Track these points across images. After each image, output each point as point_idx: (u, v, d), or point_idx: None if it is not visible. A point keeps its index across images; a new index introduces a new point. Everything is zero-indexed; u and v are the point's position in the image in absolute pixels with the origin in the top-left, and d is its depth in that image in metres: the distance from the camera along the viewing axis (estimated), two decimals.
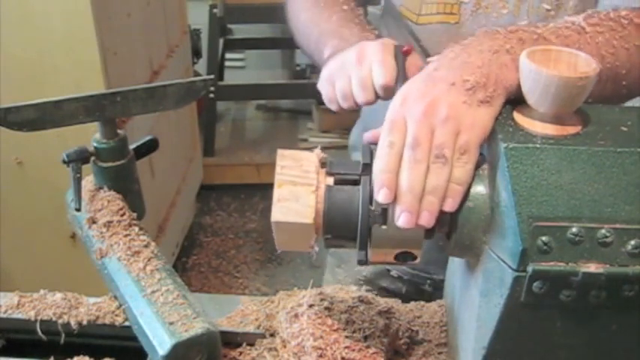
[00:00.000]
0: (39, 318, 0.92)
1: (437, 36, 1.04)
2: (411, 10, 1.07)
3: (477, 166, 0.71)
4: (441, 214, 0.68)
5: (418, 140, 0.67)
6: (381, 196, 0.66)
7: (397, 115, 0.69)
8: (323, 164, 0.74)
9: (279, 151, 0.74)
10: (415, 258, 0.71)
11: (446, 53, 0.75)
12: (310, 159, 0.73)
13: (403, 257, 0.71)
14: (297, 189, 0.70)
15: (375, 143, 0.70)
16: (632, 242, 0.62)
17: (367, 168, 0.70)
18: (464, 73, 0.70)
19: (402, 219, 0.66)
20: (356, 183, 0.71)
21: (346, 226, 0.71)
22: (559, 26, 0.82)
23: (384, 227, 0.68)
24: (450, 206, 0.67)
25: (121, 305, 0.90)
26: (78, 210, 0.94)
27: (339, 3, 1.08)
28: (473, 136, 0.68)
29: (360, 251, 0.71)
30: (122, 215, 0.94)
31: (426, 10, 1.05)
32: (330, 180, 0.72)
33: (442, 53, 0.76)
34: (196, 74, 3.02)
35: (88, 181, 0.99)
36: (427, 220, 0.66)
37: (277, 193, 0.71)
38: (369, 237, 0.70)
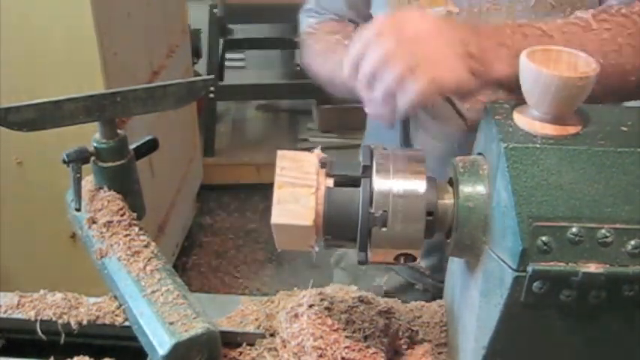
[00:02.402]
0: (39, 318, 0.92)
1: None
2: None
3: (477, 166, 0.71)
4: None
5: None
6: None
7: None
8: (323, 164, 0.74)
9: (279, 152, 0.74)
10: (415, 259, 0.71)
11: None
12: (310, 160, 0.73)
13: (403, 258, 0.71)
14: (297, 190, 0.70)
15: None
16: (632, 242, 0.62)
17: (367, 170, 0.70)
18: (464, 35, 0.76)
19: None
20: (356, 184, 0.71)
21: (346, 227, 0.71)
22: (565, 22, 0.85)
23: (384, 229, 0.68)
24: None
25: (121, 305, 0.90)
26: (78, 210, 0.94)
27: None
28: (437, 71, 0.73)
29: (361, 252, 0.71)
30: (122, 215, 0.94)
31: None
32: (330, 181, 0.72)
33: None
34: (196, 74, 3.02)
35: (88, 181, 0.99)
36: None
37: (277, 194, 0.71)
38: (369, 239, 0.70)
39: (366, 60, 0.73)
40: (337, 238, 0.73)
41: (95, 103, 0.94)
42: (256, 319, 0.94)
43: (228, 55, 3.87)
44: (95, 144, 0.97)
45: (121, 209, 0.95)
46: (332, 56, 1.06)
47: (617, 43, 0.83)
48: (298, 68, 3.94)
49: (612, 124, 0.69)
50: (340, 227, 0.71)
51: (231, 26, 3.78)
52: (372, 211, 0.68)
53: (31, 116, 0.90)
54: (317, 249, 0.74)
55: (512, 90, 0.77)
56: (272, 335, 0.91)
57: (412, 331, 0.89)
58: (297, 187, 0.71)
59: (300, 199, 0.70)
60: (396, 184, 0.69)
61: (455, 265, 0.85)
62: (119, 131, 0.98)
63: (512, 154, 0.64)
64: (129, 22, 2.06)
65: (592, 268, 0.62)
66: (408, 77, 0.72)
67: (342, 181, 0.72)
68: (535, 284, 0.63)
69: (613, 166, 0.64)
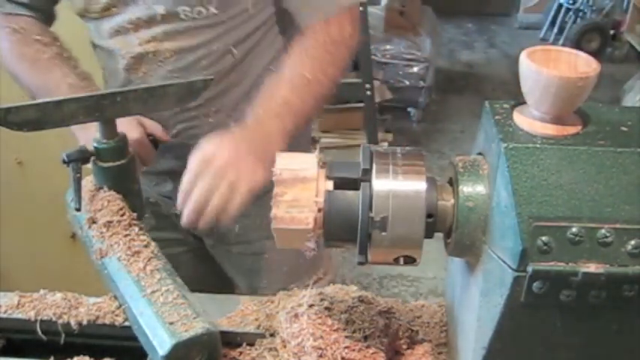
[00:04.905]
0: (39, 318, 0.92)
1: None
2: None
3: (477, 166, 0.71)
4: None
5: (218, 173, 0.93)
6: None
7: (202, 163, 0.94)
8: (322, 165, 0.73)
9: (278, 154, 0.73)
10: (415, 260, 0.71)
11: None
12: (309, 162, 0.72)
13: (403, 259, 0.71)
14: (297, 193, 0.70)
15: None
16: (632, 242, 0.62)
17: (367, 173, 0.70)
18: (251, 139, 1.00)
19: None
20: (355, 186, 0.71)
21: (346, 230, 0.70)
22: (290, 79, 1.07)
23: (383, 234, 0.68)
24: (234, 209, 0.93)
25: (121, 305, 0.90)
26: (78, 210, 0.94)
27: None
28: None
29: (360, 255, 0.70)
30: (122, 215, 0.94)
31: None
32: (330, 184, 0.72)
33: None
34: None
35: (89, 181, 0.99)
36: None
37: (276, 197, 0.70)
38: (369, 242, 0.70)
39: (195, 193, 0.93)
40: (337, 239, 0.73)
41: (95, 103, 0.94)
42: (256, 319, 0.94)
43: None
44: (95, 144, 0.97)
45: (121, 209, 0.95)
46: (45, 75, 1.17)
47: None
48: None
49: (612, 124, 0.69)
50: (340, 230, 0.71)
51: None
52: (372, 215, 0.68)
53: (32, 116, 0.90)
54: (315, 252, 0.73)
55: None
56: (272, 335, 0.91)
57: (412, 331, 0.89)
58: (297, 190, 0.70)
59: (299, 203, 0.70)
60: (396, 184, 0.69)
61: (455, 265, 0.85)
62: (119, 131, 0.99)
63: (512, 154, 0.64)
64: None
65: (592, 268, 0.62)
66: (231, 197, 0.93)
67: (342, 184, 0.72)
68: (535, 284, 0.63)
69: (613, 166, 0.64)
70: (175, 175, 1.28)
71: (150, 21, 1.11)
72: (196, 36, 1.13)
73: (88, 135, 1.11)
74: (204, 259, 1.41)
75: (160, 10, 1.10)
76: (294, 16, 1.16)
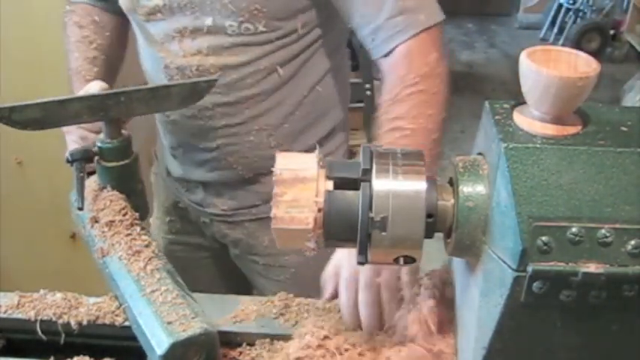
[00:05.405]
0: (39, 318, 0.92)
1: None
2: None
3: (477, 166, 0.71)
4: None
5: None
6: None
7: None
8: (322, 165, 0.73)
9: (279, 154, 0.73)
10: (414, 260, 0.71)
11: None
12: (309, 161, 0.72)
13: (403, 259, 0.71)
14: (297, 193, 0.70)
15: None
16: (632, 242, 0.62)
17: (367, 173, 0.70)
18: None
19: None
20: (355, 186, 0.71)
21: (346, 230, 0.70)
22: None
23: (383, 234, 0.68)
24: None
25: (121, 305, 0.90)
26: (80, 209, 0.94)
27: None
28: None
29: (360, 255, 0.71)
30: (124, 215, 0.95)
31: None
32: (330, 184, 0.72)
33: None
34: None
35: (92, 181, 0.99)
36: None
37: (276, 197, 0.70)
38: (369, 242, 0.70)
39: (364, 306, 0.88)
40: (337, 239, 0.73)
41: (99, 102, 0.94)
42: (256, 319, 0.94)
43: None
44: (99, 144, 0.97)
45: (124, 209, 0.95)
46: (70, 55, 1.22)
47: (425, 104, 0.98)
48: None
49: (612, 124, 0.69)
50: (340, 230, 0.71)
51: None
52: (372, 215, 0.68)
53: (36, 115, 0.90)
54: (315, 248, 0.73)
55: None
56: (272, 337, 0.91)
57: None
58: (297, 190, 0.70)
59: (299, 203, 0.70)
60: (396, 184, 0.69)
61: (455, 265, 0.85)
62: (123, 131, 0.99)
63: (512, 154, 0.64)
64: None
65: (592, 268, 0.62)
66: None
67: (342, 184, 0.72)
68: (535, 284, 0.63)
69: (613, 166, 0.64)
70: (207, 185, 1.27)
71: (195, 31, 1.09)
72: (242, 53, 1.11)
73: (72, 137, 1.11)
74: (227, 266, 1.40)
75: (207, 22, 1.08)
76: (364, 45, 1.07)
